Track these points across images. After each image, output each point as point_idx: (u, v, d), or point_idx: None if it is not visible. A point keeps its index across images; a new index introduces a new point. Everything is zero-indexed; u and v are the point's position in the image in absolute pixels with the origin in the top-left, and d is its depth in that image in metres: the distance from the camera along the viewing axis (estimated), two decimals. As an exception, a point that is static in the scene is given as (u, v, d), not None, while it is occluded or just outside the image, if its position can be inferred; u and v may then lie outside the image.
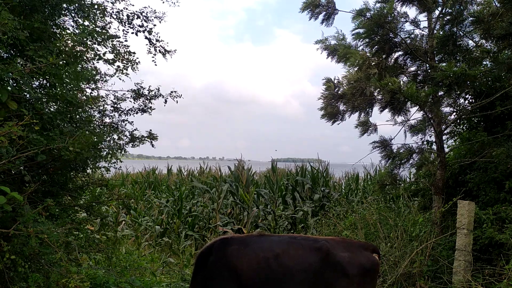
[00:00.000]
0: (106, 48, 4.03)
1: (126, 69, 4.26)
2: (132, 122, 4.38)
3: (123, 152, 4.08)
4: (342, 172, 13.85)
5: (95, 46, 3.87)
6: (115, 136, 4.11)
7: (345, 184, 12.29)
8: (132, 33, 4.36)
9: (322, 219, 7.09)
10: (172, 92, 4.49)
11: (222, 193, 9.38)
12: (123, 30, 4.32)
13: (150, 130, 4.16)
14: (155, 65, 4.48)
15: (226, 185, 9.71)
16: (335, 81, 6.20)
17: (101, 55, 3.79)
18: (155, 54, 4.44)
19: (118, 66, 4.23)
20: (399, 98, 5.14)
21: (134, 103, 4.37)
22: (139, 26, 4.38)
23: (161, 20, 4.44)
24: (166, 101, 4.45)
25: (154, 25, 4.41)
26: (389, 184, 5.80)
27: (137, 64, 4.26)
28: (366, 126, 5.84)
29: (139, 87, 4.39)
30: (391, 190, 6.20)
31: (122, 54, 4.12)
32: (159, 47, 4.46)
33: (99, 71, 4.29)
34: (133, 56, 4.20)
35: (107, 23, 4.22)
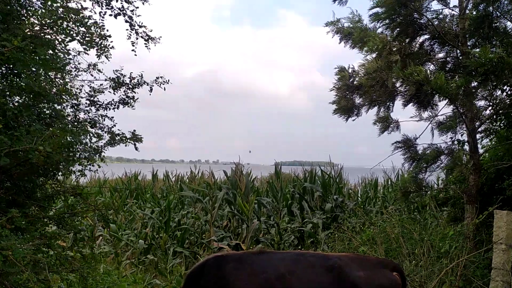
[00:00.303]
0: (80, 34, 4.05)
1: (100, 57, 4.28)
2: (112, 118, 4.41)
3: (102, 156, 4.11)
4: (358, 178, 13.86)
5: (66, 26, 3.88)
6: (93, 135, 4.13)
7: (361, 192, 12.28)
8: (110, 15, 4.38)
9: (335, 232, 7.11)
10: (158, 78, 4.52)
11: (217, 202, 9.40)
12: (99, 13, 4.34)
13: (134, 130, 4.19)
14: (135, 55, 4.51)
15: (222, 192, 9.71)
16: (350, 70, 6.22)
17: (74, 35, 3.81)
18: (136, 39, 4.47)
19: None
20: (426, 90, 5.15)
21: (114, 93, 4.40)
22: (118, 8, 4.40)
23: (145, 1, 4.47)
24: (151, 89, 4.49)
25: (137, 7, 4.44)
26: (414, 192, 5.81)
27: (109, 49, 4.27)
28: (386, 123, 5.85)
29: (118, 74, 4.41)
30: (415, 198, 6.21)
31: (95, 36, 4.12)
32: (141, 33, 4.48)
33: (72, 60, 4.31)
34: (107, 41, 4.21)
35: (80, 1, 4.24)
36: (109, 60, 4.32)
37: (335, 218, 9.23)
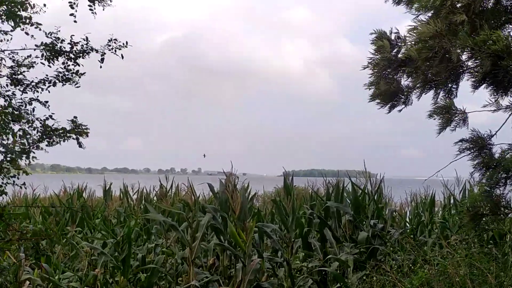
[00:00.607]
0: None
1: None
2: (47, 103, 4.40)
3: (31, 159, 4.09)
4: (406, 194, 13.82)
5: None
6: (15, 128, 4.13)
7: (411, 214, 12.24)
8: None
9: (372, 274, 7.10)
10: (111, 40, 4.52)
11: (199, 230, 9.35)
12: None
13: (75, 118, 4.18)
14: (75, 21, 4.52)
15: (206, 217, 9.66)
16: (393, 37, 6.22)
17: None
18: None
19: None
20: (506, 66, 5.13)
21: (50, 65, 4.40)
22: None
23: None
24: (103, 59, 4.49)
25: None
26: (487, 214, 5.79)
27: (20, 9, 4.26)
28: (448, 115, 5.85)
29: (54, 39, 4.42)
30: (490, 224, 6.19)
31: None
32: None
33: None
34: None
35: None
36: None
37: (372, 253, 9.21)
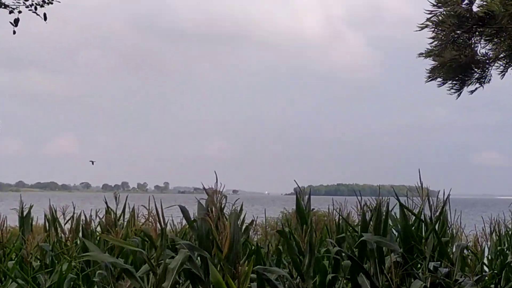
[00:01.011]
0: None
1: None
2: None
3: None
4: (484, 221, 13.80)
5: None
6: None
7: (491, 254, 12.21)
8: None
9: None
10: None
11: (168, 277, 9.36)
12: None
13: None
14: None
15: (179, 256, 9.68)
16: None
17: None
18: None
19: None
20: None
21: None
22: None
23: None
24: (17, 21, 4.48)
25: None
26: None
27: None
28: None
29: None
30: None
31: None
32: None
33: None
34: None
35: None
36: None
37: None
